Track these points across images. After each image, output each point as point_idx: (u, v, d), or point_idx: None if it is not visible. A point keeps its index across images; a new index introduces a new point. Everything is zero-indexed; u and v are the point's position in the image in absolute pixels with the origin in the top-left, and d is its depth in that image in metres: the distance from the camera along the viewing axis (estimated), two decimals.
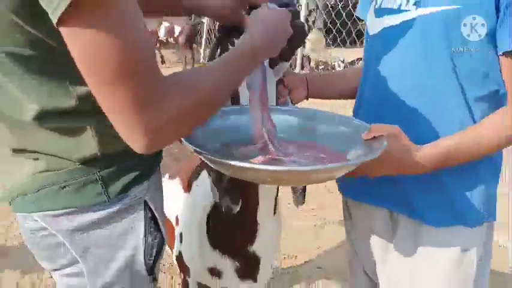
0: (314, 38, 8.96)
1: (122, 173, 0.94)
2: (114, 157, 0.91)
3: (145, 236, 0.96)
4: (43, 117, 0.84)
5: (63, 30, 0.69)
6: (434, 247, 1.16)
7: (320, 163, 0.98)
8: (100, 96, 0.73)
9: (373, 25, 1.21)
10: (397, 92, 1.13)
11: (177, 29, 8.48)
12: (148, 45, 0.75)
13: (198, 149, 0.87)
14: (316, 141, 1.09)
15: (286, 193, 1.37)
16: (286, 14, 1.01)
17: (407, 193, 1.15)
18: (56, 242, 0.94)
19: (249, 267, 1.37)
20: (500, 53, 1.02)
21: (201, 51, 9.61)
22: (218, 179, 1.12)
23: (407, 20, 1.10)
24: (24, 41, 0.77)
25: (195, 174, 1.45)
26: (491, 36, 1.02)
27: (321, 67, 8.50)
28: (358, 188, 1.26)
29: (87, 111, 0.85)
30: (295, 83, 1.32)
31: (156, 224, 1.00)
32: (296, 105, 1.33)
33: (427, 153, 1.04)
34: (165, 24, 8.39)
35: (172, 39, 8.71)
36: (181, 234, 1.47)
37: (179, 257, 1.49)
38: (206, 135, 0.99)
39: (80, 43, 0.69)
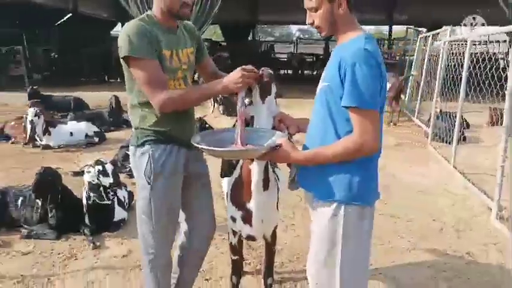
0: None
1: (142, 137, 2.35)
2: (142, 129, 2.35)
3: (145, 166, 2.34)
4: (132, 105, 2.37)
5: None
6: (320, 211, 2.06)
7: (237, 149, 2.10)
8: (144, 91, 2.23)
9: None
10: (312, 125, 2.11)
11: (387, 85, 9.38)
12: (158, 78, 2.22)
13: (197, 144, 2.07)
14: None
15: None
16: (238, 74, 2.17)
17: (310, 178, 2.09)
18: (134, 160, 2.43)
19: (247, 217, 2.45)
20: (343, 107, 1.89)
21: (405, 100, 10.43)
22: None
23: (319, 88, 2.06)
24: (126, 71, 2.31)
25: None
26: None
27: None
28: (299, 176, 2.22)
29: (138, 107, 2.33)
30: (289, 123, 2.31)
31: (151, 166, 2.35)
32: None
33: (301, 154, 2.01)
34: None
35: None
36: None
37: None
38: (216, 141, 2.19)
39: (134, 73, 2.23)
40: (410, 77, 10.95)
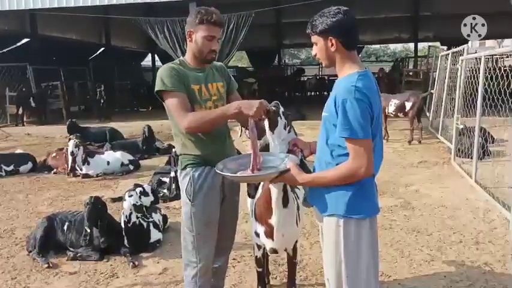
0: None
1: (184, 162, 2.73)
2: (184, 155, 2.73)
3: (187, 186, 2.71)
4: (175, 134, 2.77)
5: None
6: (325, 223, 2.35)
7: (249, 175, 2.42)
8: (173, 117, 2.66)
9: None
10: (318, 149, 2.40)
11: (408, 104, 9.62)
12: (183, 105, 2.62)
13: (219, 172, 2.40)
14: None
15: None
16: (253, 102, 2.51)
17: (316, 196, 2.39)
18: (179, 182, 2.82)
19: (269, 231, 2.76)
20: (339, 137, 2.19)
21: (430, 118, 10.60)
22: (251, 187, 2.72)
23: (322, 117, 2.35)
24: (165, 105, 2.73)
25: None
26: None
27: None
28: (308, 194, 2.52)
29: (178, 136, 2.74)
30: (303, 146, 2.64)
31: (192, 185, 2.71)
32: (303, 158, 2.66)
33: (304, 177, 2.30)
34: (395, 101, 9.70)
35: (402, 114, 9.84)
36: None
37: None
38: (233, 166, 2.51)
39: (166, 104, 2.66)
40: (434, 95, 11.11)
